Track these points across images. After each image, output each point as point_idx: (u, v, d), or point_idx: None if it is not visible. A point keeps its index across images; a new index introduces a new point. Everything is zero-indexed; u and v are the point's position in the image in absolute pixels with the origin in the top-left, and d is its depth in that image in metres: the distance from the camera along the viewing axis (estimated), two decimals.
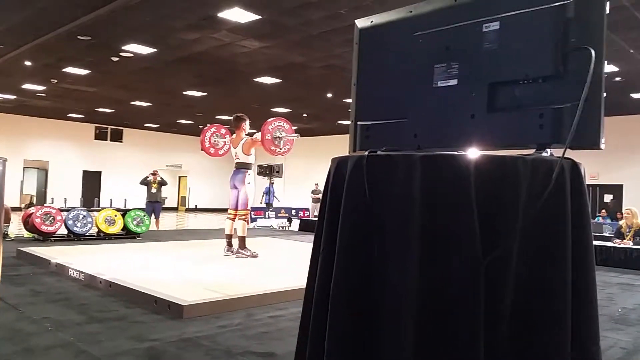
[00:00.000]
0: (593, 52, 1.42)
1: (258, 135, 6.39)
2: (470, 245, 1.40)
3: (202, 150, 7.05)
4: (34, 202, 20.72)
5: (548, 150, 1.55)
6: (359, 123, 1.94)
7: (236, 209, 6.46)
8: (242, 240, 6.37)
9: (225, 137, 6.97)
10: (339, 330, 1.53)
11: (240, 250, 6.35)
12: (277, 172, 16.22)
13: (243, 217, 6.41)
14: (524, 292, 1.40)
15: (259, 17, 8.79)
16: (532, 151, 1.56)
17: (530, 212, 1.43)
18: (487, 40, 1.60)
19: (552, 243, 1.43)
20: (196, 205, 28.33)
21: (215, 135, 6.94)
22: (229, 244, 6.48)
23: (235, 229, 6.47)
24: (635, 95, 13.63)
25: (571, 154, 1.49)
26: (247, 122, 6.63)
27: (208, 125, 6.91)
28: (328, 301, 1.56)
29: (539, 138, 1.53)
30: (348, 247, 1.56)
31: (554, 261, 1.43)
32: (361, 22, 2.00)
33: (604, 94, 1.47)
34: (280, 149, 6.36)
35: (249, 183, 6.45)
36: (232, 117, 6.79)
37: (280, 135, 6.28)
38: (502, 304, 1.40)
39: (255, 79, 13.62)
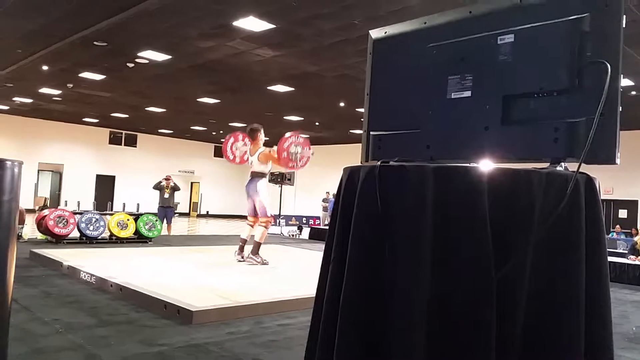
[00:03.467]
0: (609, 66, 1.41)
1: (274, 151, 6.45)
2: (483, 258, 1.39)
3: (230, 162, 7.09)
4: (48, 204, 20.93)
5: (562, 164, 1.54)
6: (371, 133, 1.94)
7: (255, 216, 6.56)
8: (257, 245, 6.39)
9: (246, 143, 7.01)
10: (349, 341, 1.52)
11: (251, 255, 6.35)
12: (289, 180, 16.26)
13: (264, 223, 6.47)
14: (536, 307, 1.38)
15: (273, 26, 8.86)
16: (546, 165, 1.54)
17: (543, 227, 1.42)
18: (502, 53, 1.60)
19: (566, 258, 1.42)
20: (208, 212, 28.46)
21: (236, 145, 7.00)
22: (241, 249, 6.49)
23: (253, 235, 6.51)
24: None
25: (586, 168, 1.48)
26: (262, 132, 6.72)
27: (226, 137, 7.00)
28: (337, 311, 1.55)
29: (553, 152, 1.52)
30: (359, 257, 1.55)
31: (567, 277, 1.41)
32: (375, 33, 2.00)
33: (620, 109, 1.46)
34: (297, 164, 6.41)
35: (261, 190, 6.50)
36: (247, 128, 6.88)
37: (296, 151, 6.34)
38: (514, 319, 1.39)
39: (268, 87, 13.71)
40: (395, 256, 1.49)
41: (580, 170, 1.45)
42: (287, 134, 6.42)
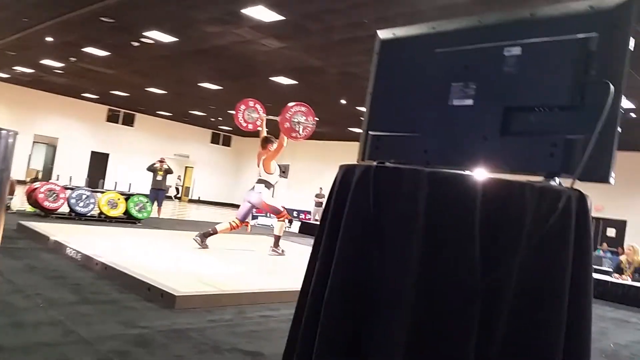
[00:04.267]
0: (612, 87, 1.41)
1: (274, 146, 6.61)
2: (470, 266, 1.40)
3: (243, 129, 7.33)
4: (40, 177, 20.82)
5: (557, 179, 1.54)
6: (370, 132, 1.94)
7: (242, 221, 6.75)
8: (277, 239, 6.82)
9: (258, 109, 7.19)
10: (330, 336, 1.53)
11: (273, 248, 6.79)
12: (283, 172, 16.23)
13: (282, 218, 6.82)
14: (519, 316, 1.39)
15: (282, 17, 8.82)
16: (540, 179, 1.55)
17: (532, 239, 1.42)
18: (507, 64, 1.60)
19: (552, 272, 1.42)
20: (199, 197, 28.39)
21: (248, 111, 7.12)
22: (206, 235, 6.47)
23: (222, 228, 6.67)
24: None
25: (580, 185, 1.48)
26: (275, 144, 6.78)
27: (236, 106, 7.10)
28: (321, 307, 1.55)
29: (549, 166, 1.52)
30: (347, 256, 1.55)
31: (551, 290, 1.42)
32: (383, 33, 2.00)
33: (619, 129, 1.46)
34: (300, 134, 6.48)
35: (266, 198, 6.70)
36: (261, 137, 6.99)
37: (299, 120, 6.39)
38: (496, 327, 1.39)
39: (271, 78, 13.66)
40: (384, 258, 1.49)
41: (574, 187, 1.46)
42: (291, 104, 6.45)
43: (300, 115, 6.48)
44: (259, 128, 7.18)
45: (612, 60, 1.46)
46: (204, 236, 6.42)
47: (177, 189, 27.99)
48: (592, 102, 1.46)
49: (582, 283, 1.45)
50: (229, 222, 6.71)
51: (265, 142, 6.80)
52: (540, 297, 1.40)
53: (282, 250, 6.81)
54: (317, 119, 6.66)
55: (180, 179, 28.05)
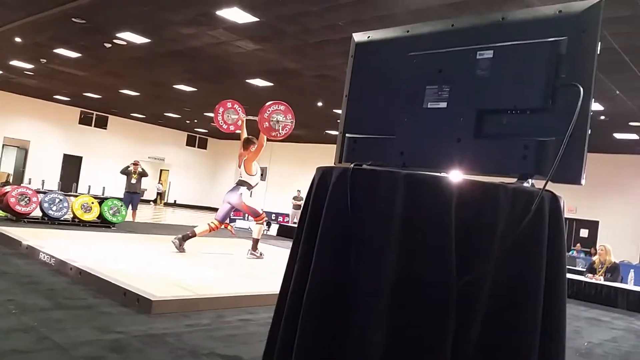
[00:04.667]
0: (582, 90, 1.45)
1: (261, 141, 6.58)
2: (445, 266, 1.42)
3: (224, 131, 7.31)
4: (11, 181, 20.30)
5: (530, 180, 1.57)
6: (347, 135, 1.95)
7: (221, 222, 6.72)
8: (255, 242, 6.76)
9: (237, 109, 7.20)
10: (308, 340, 1.53)
11: (251, 251, 6.72)
12: (261, 175, 16.14)
13: (260, 221, 6.79)
14: (493, 319, 1.42)
15: (257, 19, 8.80)
16: (514, 180, 1.58)
17: (507, 240, 1.45)
18: (480, 67, 1.63)
19: (526, 273, 1.45)
20: (175, 200, 28.08)
21: (227, 113, 7.10)
22: (184, 238, 6.39)
23: (201, 230, 6.62)
24: (618, 135, 13.94)
25: (552, 186, 1.52)
26: (256, 145, 6.74)
27: (215, 108, 7.07)
28: (300, 310, 1.56)
29: (521, 168, 1.55)
30: (325, 258, 1.56)
31: (526, 290, 1.45)
32: (358, 36, 2.02)
33: (589, 131, 1.50)
34: (280, 133, 6.47)
35: (245, 199, 6.68)
36: (243, 138, 6.95)
37: (278, 119, 6.38)
38: (471, 327, 1.42)
39: (247, 80, 13.61)
40: (361, 259, 1.50)
41: (547, 188, 1.49)
42: (268, 103, 6.44)
43: (278, 114, 6.47)
44: (239, 131, 7.15)
45: (581, 63, 1.50)
46: (183, 239, 6.35)
47: (159, 194, 27.66)
48: (563, 105, 1.50)
49: (556, 284, 1.49)
50: (208, 224, 6.66)
51: (247, 143, 6.77)
52: (515, 298, 1.43)
53: (261, 253, 6.77)
54: (294, 121, 6.66)
55: (162, 184, 27.71)
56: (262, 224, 6.82)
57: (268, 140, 6.62)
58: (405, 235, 1.46)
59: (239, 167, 6.81)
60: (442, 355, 1.39)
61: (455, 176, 1.62)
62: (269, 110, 6.44)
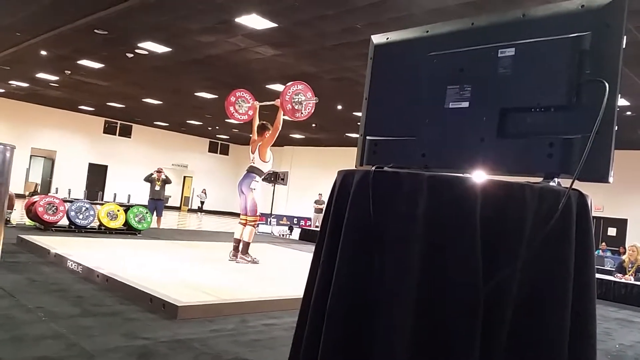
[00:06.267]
0: (607, 85, 1.42)
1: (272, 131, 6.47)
2: (471, 269, 1.39)
3: (237, 120, 7.24)
4: (39, 190, 20.78)
5: (556, 179, 1.54)
6: (367, 137, 1.94)
7: (247, 214, 6.47)
8: (246, 245, 6.36)
9: (246, 98, 7.09)
10: (333, 344, 1.52)
11: (241, 255, 6.33)
12: (282, 179, 16.23)
13: (252, 222, 6.41)
14: (522, 319, 1.39)
15: (275, 25, 8.85)
16: (539, 179, 1.55)
17: (534, 241, 1.42)
18: (502, 66, 1.61)
19: (554, 273, 1.42)
20: (199, 207, 28.35)
21: (238, 103, 7.05)
22: (235, 249, 6.42)
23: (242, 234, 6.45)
24: None
25: (578, 185, 1.49)
26: (271, 129, 6.58)
27: (227, 98, 7.07)
28: (324, 314, 1.55)
29: (547, 167, 1.52)
30: (348, 261, 1.55)
31: (554, 291, 1.42)
32: (377, 38, 2.01)
33: (616, 128, 1.47)
34: (303, 112, 6.38)
35: (254, 189, 6.44)
36: (258, 124, 6.77)
37: (300, 100, 6.31)
38: (499, 331, 1.39)
39: (266, 86, 13.69)
40: (384, 263, 1.49)
41: (573, 187, 1.46)
42: (288, 84, 6.34)
43: (299, 94, 6.38)
44: (252, 119, 6.96)
45: (606, 59, 1.47)
46: (246, 252, 6.27)
47: (202, 202, 27.96)
48: (588, 101, 1.47)
49: (585, 283, 1.45)
50: (242, 224, 6.44)
51: (262, 129, 6.59)
52: (543, 299, 1.40)
53: (254, 258, 6.35)
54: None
55: (205, 193, 27.94)
56: (254, 226, 6.43)
57: (292, 121, 6.51)
58: (430, 237, 1.44)
59: (252, 152, 6.56)
60: (470, 358, 1.36)
61: (479, 177, 1.60)
62: (289, 92, 6.31)
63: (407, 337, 1.40)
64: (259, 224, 6.77)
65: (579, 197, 1.48)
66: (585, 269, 1.44)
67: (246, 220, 6.44)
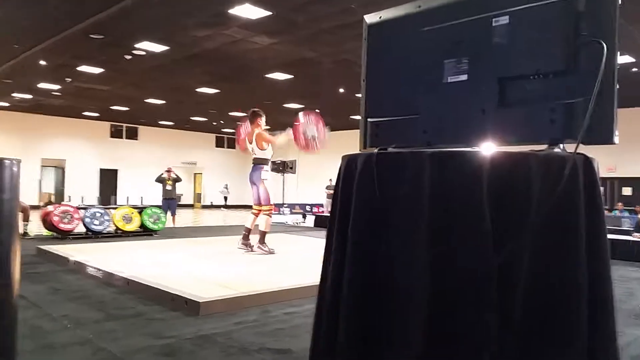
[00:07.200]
0: (605, 46, 1.40)
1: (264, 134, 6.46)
2: (482, 242, 1.40)
3: (242, 150, 7.11)
4: (53, 200, 21.01)
5: (561, 145, 1.53)
6: (369, 120, 1.93)
7: (260, 204, 6.52)
8: (262, 235, 6.42)
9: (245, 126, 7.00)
10: (351, 325, 1.54)
11: (259, 245, 6.39)
12: (291, 168, 16.25)
13: (267, 212, 6.47)
14: (536, 291, 1.39)
15: (269, 13, 8.79)
16: (544, 147, 1.54)
17: (542, 209, 1.41)
18: (497, 35, 1.59)
19: (565, 239, 1.42)
20: (212, 202, 28.49)
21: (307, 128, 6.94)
22: (245, 238, 6.49)
23: (257, 224, 6.51)
24: None
25: (586, 148, 1.47)
26: (263, 118, 6.61)
27: (237, 129, 7.03)
28: (339, 299, 1.57)
29: (550, 133, 1.51)
30: (359, 244, 1.56)
31: (567, 257, 1.41)
32: (370, 18, 1.99)
33: (617, 87, 1.45)
34: (317, 146, 6.36)
35: (265, 179, 6.49)
36: (248, 112, 6.79)
37: (312, 134, 6.28)
38: (514, 301, 1.39)
39: (266, 75, 13.65)
40: (394, 243, 1.50)
41: (579, 151, 1.45)
42: (300, 117, 6.28)
43: (311, 129, 6.37)
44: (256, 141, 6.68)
45: (602, 19, 1.45)
46: (263, 241, 6.33)
47: (225, 198, 28.09)
48: (587, 64, 1.45)
49: (597, 247, 1.44)
50: (256, 214, 6.47)
51: (254, 116, 6.54)
52: (556, 267, 1.40)
53: (270, 249, 6.35)
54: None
55: (227, 188, 28.01)
56: (269, 215, 6.47)
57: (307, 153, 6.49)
58: (436, 215, 1.44)
59: (250, 142, 6.54)
60: (486, 332, 1.37)
61: (483, 149, 1.59)
62: (301, 129, 6.30)
63: (422, 318, 1.41)
64: (273, 213, 6.79)
65: (584, 161, 1.47)
66: (596, 232, 1.43)
67: (259, 209, 6.48)
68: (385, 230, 1.52)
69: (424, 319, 1.41)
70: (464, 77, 1.68)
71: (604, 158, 1.57)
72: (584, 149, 1.47)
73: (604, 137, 1.44)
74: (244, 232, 6.54)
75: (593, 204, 1.44)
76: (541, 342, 1.37)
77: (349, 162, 1.73)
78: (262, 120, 6.60)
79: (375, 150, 1.60)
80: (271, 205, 6.55)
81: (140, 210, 9.28)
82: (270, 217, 6.59)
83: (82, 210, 8.71)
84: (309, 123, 6.25)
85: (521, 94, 1.58)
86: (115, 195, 22.22)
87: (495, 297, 1.36)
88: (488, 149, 1.60)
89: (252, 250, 6.38)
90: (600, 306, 1.41)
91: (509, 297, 1.38)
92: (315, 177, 23.43)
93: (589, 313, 1.39)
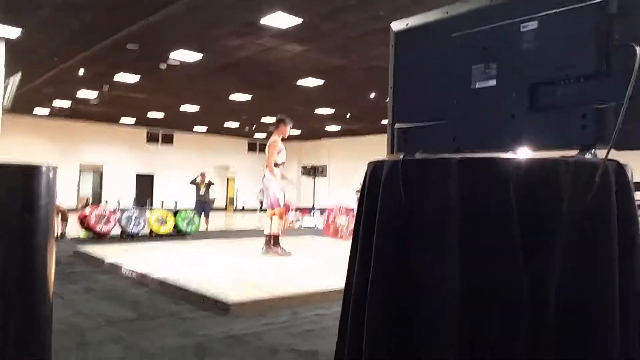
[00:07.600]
0: (638, 49, 1.37)
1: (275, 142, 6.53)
2: (511, 252, 1.38)
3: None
4: (90, 203, 21.62)
5: (593, 151, 1.50)
6: (396, 126, 1.94)
7: (272, 207, 6.67)
8: (275, 238, 6.55)
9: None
10: (375, 332, 1.54)
11: (272, 247, 6.48)
12: (322, 172, 16.28)
13: (277, 214, 6.58)
14: (568, 301, 1.36)
15: (300, 20, 8.88)
16: (575, 152, 1.51)
17: (573, 216, 1.39)
18: (526, 40, 1.57)
19: (597, 248, 1.39)
20: (244, 206, 28.75)
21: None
22: (267, 243, 6.58)
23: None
24: None
25: (619, 155, 1.44)
26: (288, 126, 6.68)
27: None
28: (365, 302, 1.57)
29: (582, 139, 1.48)
30: (384, 251, 1.56)
31: (599, 267, 1.38)
32: (397, 25, 1.99)
33: None
34: (346, 233, 6.56)
35: (270, 181, 6.61)
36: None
37: (341, 222, 6.60)
38: (546, 312, 1.37)
39: (298, 82, 13.75)
40: (422, 251, 1.49)
41: (612, 157, 1.42)
42: (330, 214, 6.53)
43: (340, 218, 6.61)
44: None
45: (634, 21, 1.42)
46: (276, 244, 6.44)
47: (261, 202, 28.28)
48: (619, 68, 1.42)
49: (631, 255, 1.41)
50: (271, 217, 6.56)
51: (278, 122, 6.66)
52: (587, 276, 1.37)
53: (285, 251, 6.42)
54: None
55: (262, 192, 28.00)
56: (280, 218, 6.53)
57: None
58: (464, 224, 1.43)
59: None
60: (518, 341, 1.36)
61: (512, 155, 1.57)
62: (330, 219, 6.52)
63: (451, 330, 1.40)
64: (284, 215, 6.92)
65: (616, 167, 1.44)
66: (629, 239, 1.40)
67: (272, 212, 6.61)
68: (411, 238, 1.52)
69: (454, 326, 1.40)
70: (492, 83, 1.67)
71: (638, 164, 1.54)
72: (616, 155, 1.44)
73: (637, 141, 1.40)
74: (265, 238, 6.63)
75: (626, 211, 1.40)
76: (574, 351, 1.35)
77: (374, 169, 1.73)
78: (287, 128, 6.66)
79: (401, 157, 1.61)
80: (280, 208, 6.63)
81: (175, 212, 9.47)
82: (281, 219, 6.70)
83: (119, 213, 8.95)
84: (338, 213, 6.58)
85: (551, 99, 1.56)
86: (152, 199, 22.68)
87: (526, 307, 1.34)
88: (518, 154, 1.58)
89: (274, 253, 6.44)
90: (635, 326, 1.37)
91: (540, 307, 1.35)
92: (346, 181, 23.41)
93: (622, 325, 1.35)
